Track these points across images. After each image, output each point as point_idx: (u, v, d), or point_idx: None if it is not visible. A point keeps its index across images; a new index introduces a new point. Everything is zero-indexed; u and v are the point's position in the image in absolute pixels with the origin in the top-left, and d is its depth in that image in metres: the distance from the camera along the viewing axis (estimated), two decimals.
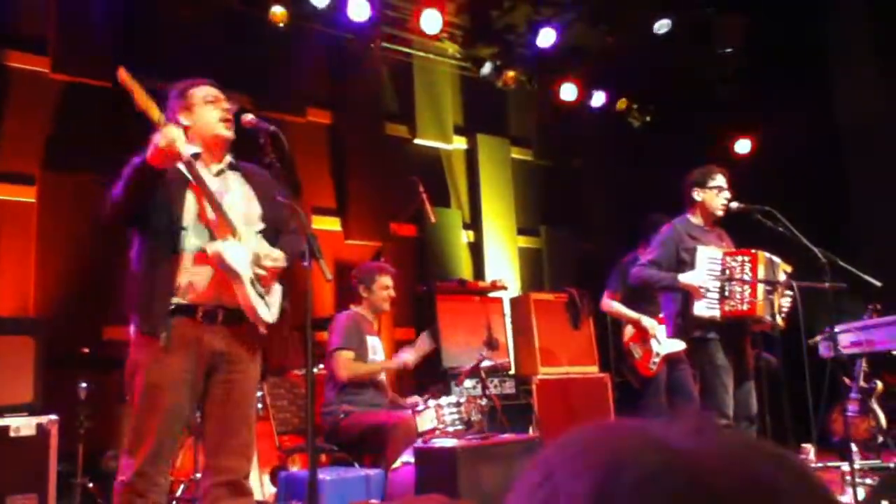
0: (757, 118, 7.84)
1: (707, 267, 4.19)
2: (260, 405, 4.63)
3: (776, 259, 4.25)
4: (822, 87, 7.47)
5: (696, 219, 4.42)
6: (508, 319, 6.67)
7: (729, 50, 7.62)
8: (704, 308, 4.14)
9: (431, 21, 6.65)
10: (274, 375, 4.84)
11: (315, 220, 6.43)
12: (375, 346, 4.75)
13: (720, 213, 4.35)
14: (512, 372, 6.42)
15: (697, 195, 4.36)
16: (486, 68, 7.34)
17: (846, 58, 7.48)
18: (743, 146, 8.40)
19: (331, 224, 6.68)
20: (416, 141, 7.38)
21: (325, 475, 3.79)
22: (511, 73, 7.47)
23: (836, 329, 4.66)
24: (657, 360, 5.33)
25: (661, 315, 4.91)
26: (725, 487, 0.46)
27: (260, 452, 4.28)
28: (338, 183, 6.81)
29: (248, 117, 2.96)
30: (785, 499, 0.47)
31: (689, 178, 4.41)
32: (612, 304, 5.57)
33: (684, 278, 4.18)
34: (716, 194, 4.33)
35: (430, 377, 5.75)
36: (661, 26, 7.24)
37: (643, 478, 0.47)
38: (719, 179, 4.33)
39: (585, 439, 0.52)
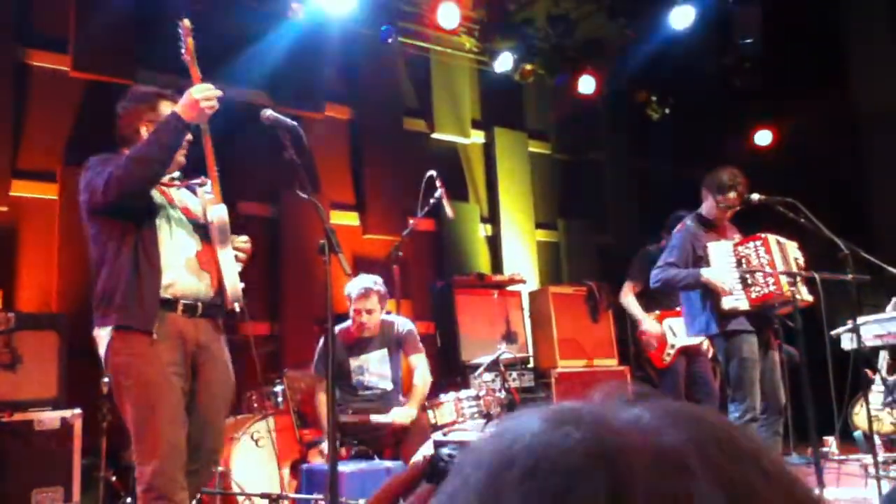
0: (777, 108, 7.76)
1: (724, 260, 4.21)
2: (280, 399, 4.67)
3: (783, 240, 4.27)
4: (841, 76, 7.38)
5: (707, 215, 4.47)
6: (527, 313, 6.66)
7: (748, 40, 7.54)
8: (732, 300, 4.16)
9: (449, 15, 6.64)
10: (294, 369, 4.87)
11: (334, 214, 6.46)
12: (364, 367, 4.43)
13: (724, 219, 4.45)
14: (531, 365, 6.42)
15: (709, 198, 4.44)
16: (503, 62, 7.31)
17: (865, 45, 7.38)
18: (763, 137, 8.32)
19: (349, 219, 6.70)
20: (434, 135, 7.37)
21: (345, 468, 3.81)
22: (529, 67, 7.44)
23: (859, 321, 4.61)
24: (672, 351, 5.33)
25: (677, 308, 4.90)
26: (631, 458, 0.45)
27: (280, 446, 4.32)
28: (356, 178, 6.83)
29: (268, 113, 2.97)
30: (697, 472, 0.45)
31: (706, 179, 4.44)
32: (627, 298, 5.57)
33: (707, 273, 4.19)
34: (723, 208, 4.37)
35: (449, 370, 5.77)
36: (681, 18, 7.18)
37: (540, 447, 0.46)
38: (731, 198, 4.33)
39: (495, 430, 0.51)
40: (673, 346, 5.33)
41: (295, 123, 2.96)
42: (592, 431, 0.47)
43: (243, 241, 3.02)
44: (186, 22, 2.88)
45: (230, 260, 2.91)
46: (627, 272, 5.66)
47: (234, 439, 4.22)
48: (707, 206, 4.47)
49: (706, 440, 0.47)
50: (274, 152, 3.06)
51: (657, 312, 5.52)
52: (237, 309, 2.91)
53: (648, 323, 5.44)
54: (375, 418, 4.22)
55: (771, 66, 7.57)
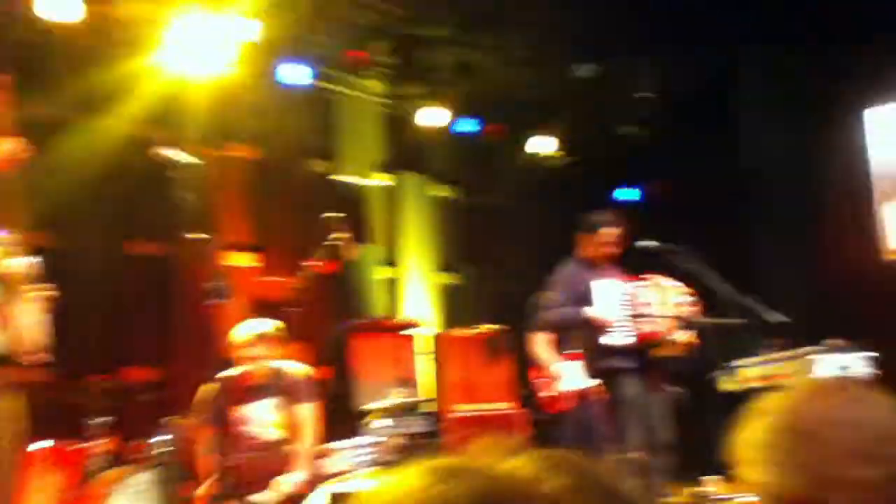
0: (669, 162, 8.14)
1: (609, 298, 4.35)
2: (166, 449, 4.44)
3: (669, 282, 4.44)
4: (729, 133, 7.84)
5: (584, 257, 4.62)
6: (425, 357, 6.65)
7: (646, 95, 7.92)
8: (614, 338, 4.28)
9: None
10: (180, 418, 4.67)
11: (231, 255, 6.30)
12: (249, 416, 4.17)
13: (602, 258, 4.60)
14: (428, 410, 6.38)
15: (584, 239, 4.62)
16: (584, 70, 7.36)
17: (751, 107, 7.88)
18: (655, 188, 8.68)
19: (247, 260, 6.55)
20: (337, 177, 7.35)
21: None
22: (435, 112, 7.52)
23: (741, 363, 4.83)
24: (568, 395, 5.41)
25: (573, 351, 5.00)
26: None
27: (165, 498, 4.11)
28: (256, 218, 6.71)
29: (161, 150, 2.91)
30: None
31: (581, 222, 4.60)
32: (535, 344, 5.61)
33: (591, 311, 4.31)
34: (596, 247, 4.54)
35: (344, 417, 5.66)
36: (585, 71, 7.47)
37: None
38: (601, 235, 4.50)
39: (377, 486, 0.52)
40: (568, 391, 5.41)
41: (190, 159, 2.90)
42: (477, 483, 0.48)
43: (44, 289, 2.88)
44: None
45: (27, 311, 2.80)
46: (530, 320, 5.71)
47: (112, 493, 3.99)
48: (584, 248, 4.61)
49: (584, 485, 0.49)
50: (166, 190, 2.98)
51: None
52: (36, 361, 2.79)
53: (555, 365, 5.46)
54: (259, 498, 3.91)
55: (666, 120, 7.95)
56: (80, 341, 5.23)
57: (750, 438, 1.09)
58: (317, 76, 6.88)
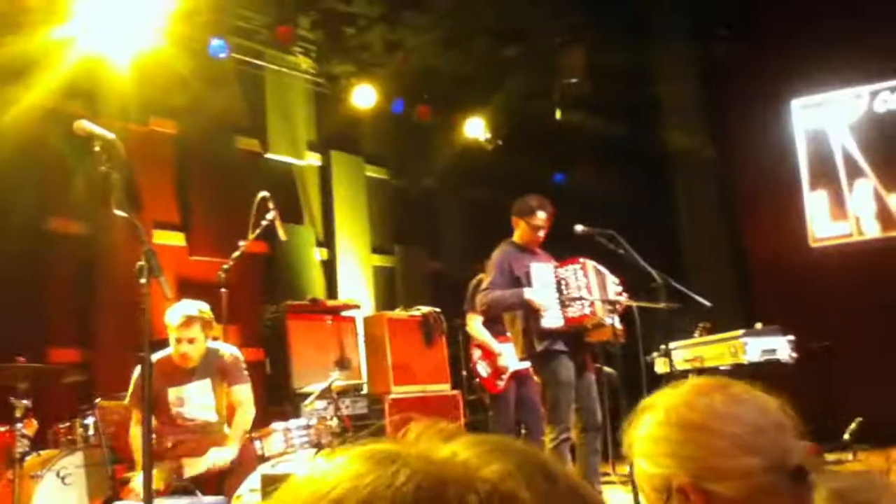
0: (598, 145, 8.27)
1: (544, 281, 4.41)
2: (91, 432, 4.32)
3: (602, 268, 4.54)
4: (655, 119, 8.01)
5: (520, 241, 4.68)
6: (361, 339, 6.60)
7: (573, 80, 8.00)
8: (549, 320, 4.34)
9: None
10: (106, 400, 4.52)
11: (156, 234, 6.09)
12: (184, 398, 4.11)
13: (536, 242, 4.66)
14: (364, 392, 6.35)
15: (519, 223, 4.66)
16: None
17: (674, 90, 8.06)
18: (585, 172, 8.81)
19: (174, 239, 6.35)
20: (268, 156, 7.18)
21: None
22: (366, 92, 7.43)
23: (671, 346, 4.97)
24: (505, 376, 5.47)
25: (508, 334, 5.05)
26: (458, 491, 0.46)
27: (90, 483, 3.98)
28: (182, 196, 6.50)
29: (83, 124, 2.78)
30: (523, 499, 0.47)
31: (514, 206, 4.67)
32: (475, 327, 5.63)
33: (529, 293, 4.36)
34: (533, 232, 4.59)
35: (280, 399, 5.58)
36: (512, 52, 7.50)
37: (368, 491, 0.46)
38: (538, 219, 4.57)
39: (312, 473, 0.51)
40: (506, 372, 5.47)
41: (113, 135, 2.78)
42: (419, 468, 0.47)
43: None
44: None
45: None
46: (466, 301, 5.73)
47: (36, 477, 3.83)
48: (519, 232, 4.67)
49: (524, 469, 0.49)
50: (88, 166, 2.85)
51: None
52: None
53: (495, 345, 5.51)
54: (189, 468, 3.87)
55: (593, 104, 8.06)
56: (1, 322, 4.99)
57: (642, 433, 1.17)
58: (243, 51, 6.70)
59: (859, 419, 5.45)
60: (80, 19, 5.47)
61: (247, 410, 4.15)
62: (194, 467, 3.89)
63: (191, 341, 4.04)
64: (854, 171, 7.35)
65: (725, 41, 7.63)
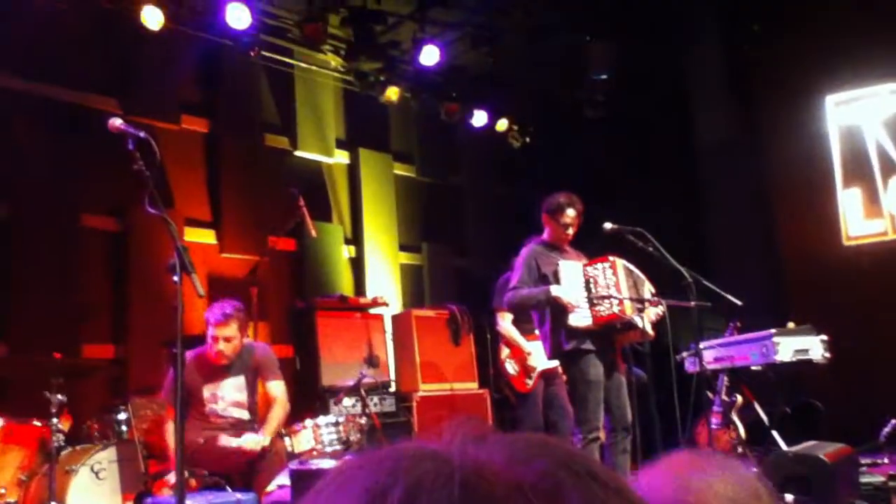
0: (624, 141, 8.20)
1: (573, 279, 4.37)
2: (124, 427, 4.37)
3: (632, 267, 4.49)
4: (683, 111, 7.91)
5: (548, 238, 4.64)
6: (389, 336, 6.62)
7: (603, 77, 7.93)
8: (578, 318, 4.30)
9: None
10: (140, 395, 4.58)
11: (188, 232, 6.16)
12: (218, 395, 4.21)
13: (565, 240, 4.62)
14: (392, 389, 6.37)
15: (548, 221, 4.62)
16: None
17: (703, 85, 7.95)
18: (613, 167, 8.74)
19: (205, 237, 6.41)
20: (297, 153, 7.23)
21: (194, 500, 3.59)
22: (395, 90, 7.45)
23: (701, 345, 4.90)
24: (534, 375, 5.44)
25: (537, 332, 5.02)
26: (504, 491, 0.45)
27: (124, 478, 4.02)
28: (213, 194, 6.56)
29: (117, 122, 2.82)
30: (568, 497, 0.46)
31: (544, 204, 4.62)
32: (504, 323, 5.59)
33: (556, 290, 4.32)
34: (562, 230, 4.54)
35: (309, 395, 5.61)
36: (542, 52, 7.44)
37: (411, 488, 0.45)
38: (567, 216, 4.52)
39: (350, 466, 0.50)
40: (534, 370, 5.44)
41: (146, 134, 2.81)
42: (463, 465, 0.46)
43: None
44: None
45: None
46: (495, 300, 5.70)
47: (71, 472, 3.89)
48: (548, 230, 4.64)
49: (560, 468, 0.48)
50: (122, 163, 2.89)
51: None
52: None
53: (525, 344, 5.47)
54: (224, 441, 4.00)
55: (621, 100, 7.99)
56: (35, 318, 5.08)
57: None
58: (273, 49, 6.74)
59: (894, 421, 5.35)
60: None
61: (281, 405, 4.21)
62: (230, 441, 3.99)
63: (227, 340, 4.11)
64: (889, 169, 7.20)
65: (759, 37, 7.52)
